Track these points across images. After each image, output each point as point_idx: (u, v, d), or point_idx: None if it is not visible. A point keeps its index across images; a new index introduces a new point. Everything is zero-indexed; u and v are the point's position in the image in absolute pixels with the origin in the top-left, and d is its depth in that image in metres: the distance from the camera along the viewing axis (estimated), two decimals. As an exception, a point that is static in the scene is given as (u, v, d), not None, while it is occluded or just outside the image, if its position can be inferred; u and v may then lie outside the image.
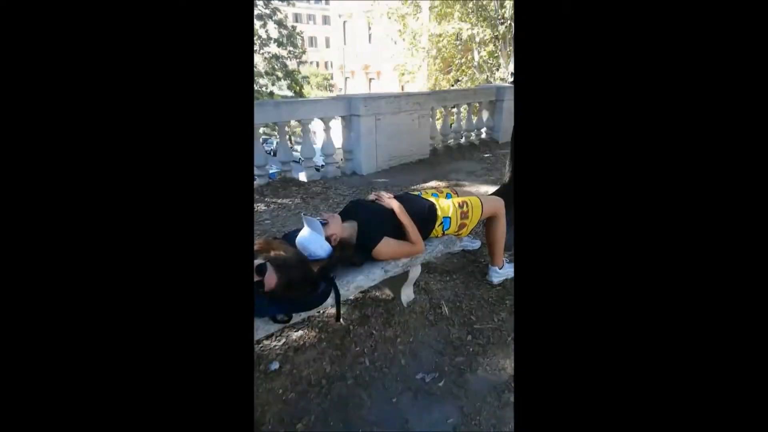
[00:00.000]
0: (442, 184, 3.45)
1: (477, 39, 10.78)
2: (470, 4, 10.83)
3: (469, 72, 11.72)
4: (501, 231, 1.79)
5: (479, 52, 11.13)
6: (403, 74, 12.93)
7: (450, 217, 1.63)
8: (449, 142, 4.49)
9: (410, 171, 3.80)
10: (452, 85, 11.62)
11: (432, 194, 1.80)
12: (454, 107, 4.44)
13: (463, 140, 4.64)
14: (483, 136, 4.83)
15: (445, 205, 1.64)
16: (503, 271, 1.86)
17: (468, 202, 1.68)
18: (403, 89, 17.18)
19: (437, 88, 11.73)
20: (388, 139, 3.67)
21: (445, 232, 1.65)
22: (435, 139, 4.36)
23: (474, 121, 4.74)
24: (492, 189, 2.97)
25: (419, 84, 13.21)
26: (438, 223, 1.62)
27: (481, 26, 10.52)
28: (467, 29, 10.77)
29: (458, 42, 11.35)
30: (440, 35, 11.36)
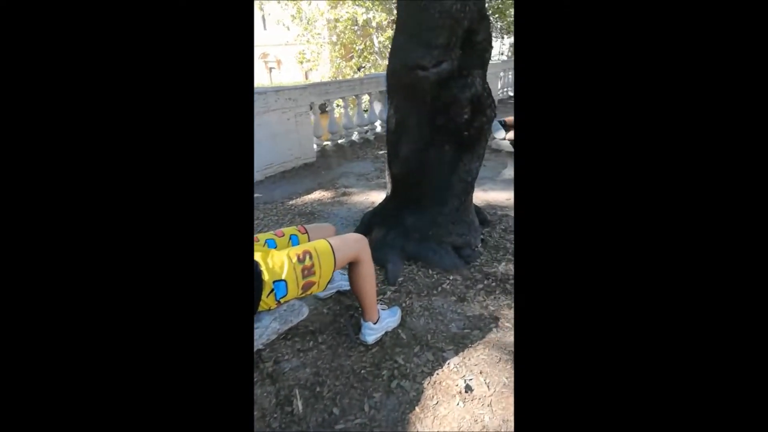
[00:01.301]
0: (327, 194, 2.95)
1: (374, 23, 10.43)
2: (362, -14, 10.39)
3: (372, 58, 11.35)
4: (368, 278, 1.34)
5: (378, 37, 10.80)
6: (302, 62, 12.10)
7: (285, 280, 1.12)
8: (340, 140, 3.99)
9: (291, 180, 3.23)
10: (356, 72, 11.20)
11: (266, 242, 1.28)
12: (339, 100, 3.94)
13: (355, 137, 4.18)
14: (378, 129, 4.42)
15: (277, 264, 1.13)
16: (380, 326, 1.42)
17: (312, 251, 1.19)
18: (306, 77, 16.28)
19: (340, 76, 11.21)
20: (258, 144, 3.04)
21: (281, 301, 1.15)
22: (323, 137, 3.83)
23: (366, 115, 4.30)
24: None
25: (322, 72, 12.55)
26: (267, 292, 1.10)
27: (377, 10, 10.21)
28: (362, 13, 10.37)
29: (356, 27, 10.91)
30: (337, 20, 10.85)
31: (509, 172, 3.14)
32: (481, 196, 2.69)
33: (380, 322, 1.43)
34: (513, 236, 2.10)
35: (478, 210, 2.24)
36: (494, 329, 1.45)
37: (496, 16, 11.59)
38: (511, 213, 2.42)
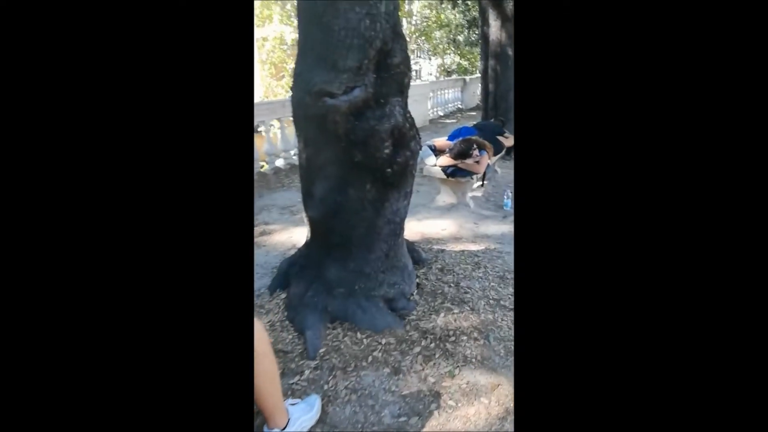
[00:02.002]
0: (243, 235, 2.55)
1: (303, 43, 10.22)
2: (288, 6, 10.17)
3: (303, 77, 11.05)
4: (267, 375, 1.00)
5: (308, 57, 10.56)
6: (228, 81, 11.45)
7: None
8: (261, 168, 3.60)
9: (201, 220, 2.78)
10: (288, 91, 10.86)
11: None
12: (260, 125, 3.57)
13: (280, 162, 3.81)
14: (306, 155, 4.10)
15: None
16: (290, 431, 1.09)
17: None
18: (234, 98, 15.49)
19: (270, 96, 10.74)
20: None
21: None
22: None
23: (291, 139, 3.96)
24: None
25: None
26: None
27: (305, 29, 10.00)
28: (290, 32, 10.12)
29: (285, 46, 10.60)
30: (264, 39, 10.50)
31: (443, 198, 2.98)
32: (415, 228, 2.48)
33: (291, 425, 1.09)
34: (450, 277, 1.89)
35: (412, 248, 2.00)
36: (435, 412, 1.18)
37: (422, 38, 11.95)
38: (448, 248, 2.22)
